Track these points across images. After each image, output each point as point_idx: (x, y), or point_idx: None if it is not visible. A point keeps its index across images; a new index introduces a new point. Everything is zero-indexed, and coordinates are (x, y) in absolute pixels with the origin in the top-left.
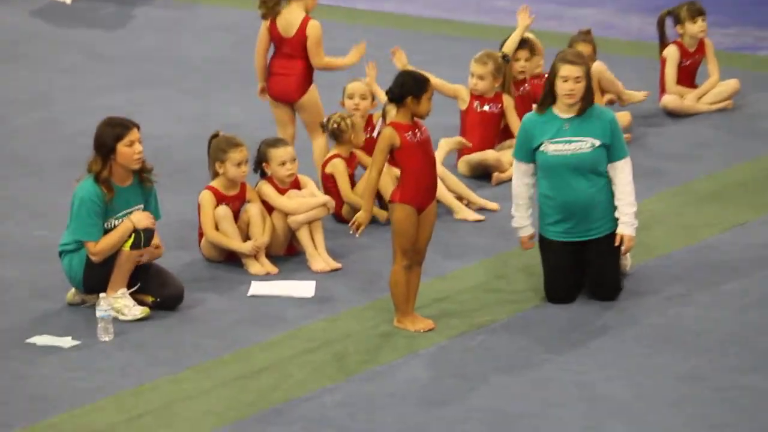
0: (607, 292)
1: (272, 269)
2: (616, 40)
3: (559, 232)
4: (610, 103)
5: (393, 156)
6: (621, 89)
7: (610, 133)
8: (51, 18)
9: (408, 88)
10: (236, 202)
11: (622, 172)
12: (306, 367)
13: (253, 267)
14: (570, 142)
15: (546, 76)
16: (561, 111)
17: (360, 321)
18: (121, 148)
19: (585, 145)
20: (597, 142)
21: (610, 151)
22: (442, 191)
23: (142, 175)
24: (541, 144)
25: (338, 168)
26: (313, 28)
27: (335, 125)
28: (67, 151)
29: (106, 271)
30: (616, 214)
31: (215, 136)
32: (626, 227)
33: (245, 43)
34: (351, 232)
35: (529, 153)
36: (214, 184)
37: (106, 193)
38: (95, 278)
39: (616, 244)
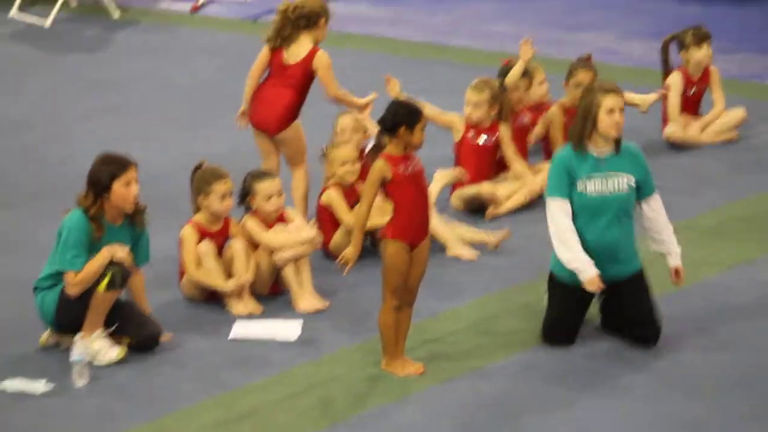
0: (649, 329)
1: (256, 309)
2: (618, 67)
3: (573, 274)
4: None
5: (385, 189)
6: (635, 99)
7: (644, 166)
8: (30, 41)
9: (401, 118)
10: (220, 238)
11: (657, 204)
12: (291, 413)
13: (236, 307)
14: (607, 178)
15: (547, 105)
16: (596, 147)
17: (347, 364)
18: (117, 187)
19: (622, 184)
20: (632, 181)
21: (644, 186)
22: (434, 226)
23: (135, 217)
24: (577, 181)
25: (333, 198)
26: (322, 57)
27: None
28: (47, 179)
29: (80, 309)
30: (662, 248)
31: (199, 167)
32: (677, 258)
33: (232, 67)
34: (340, 267)
35: (566, 189)
36: (197, 218)
37: (95, 230)
38: (68, 316)
39: (673, 278)
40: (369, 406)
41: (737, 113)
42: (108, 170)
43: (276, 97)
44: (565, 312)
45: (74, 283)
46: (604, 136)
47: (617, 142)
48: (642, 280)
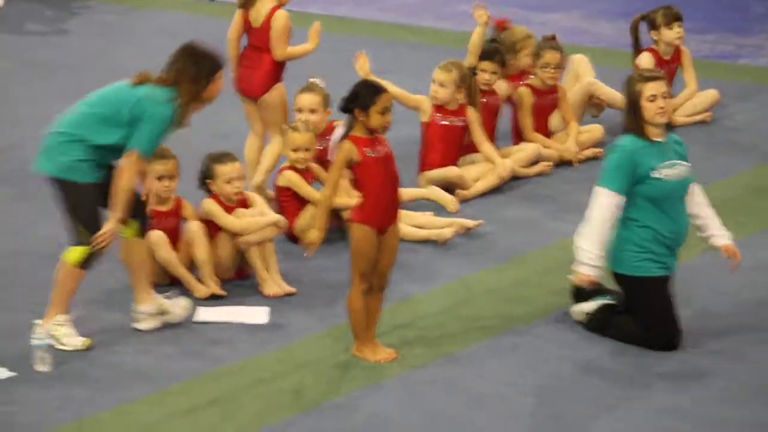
0: (674, 330)
1: (218, 291)
2: (586, 48)
3: (661, 266)
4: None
5: (352, 172)
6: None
7: (685, 153)
8: None
9: (356, 100)
10: (170, 219)
11: (698, 189)
12: (260, 400)
13: (198, 290)
14: (673, 165)
15: (533, 72)
16: (652, 136)
17: (317, 350)
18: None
19: (683, 169)
20: (689, 165)
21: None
22: (406, 230)
23: None
24: (652, 170)
25: (292, 179)
26: (279, 17)
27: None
28: None
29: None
30: (708, 232)
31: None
32: (727, 237)
33: None
34: (305, 254)
35: (630, 183)
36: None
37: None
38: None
39: (725, 256)
40: (340, 392)
41: (710, 94)
42: (210, 65)
43: (254, 61)
44: (668, 309)
45: (134, 168)
46: (652, 124)
47: (668, 128)
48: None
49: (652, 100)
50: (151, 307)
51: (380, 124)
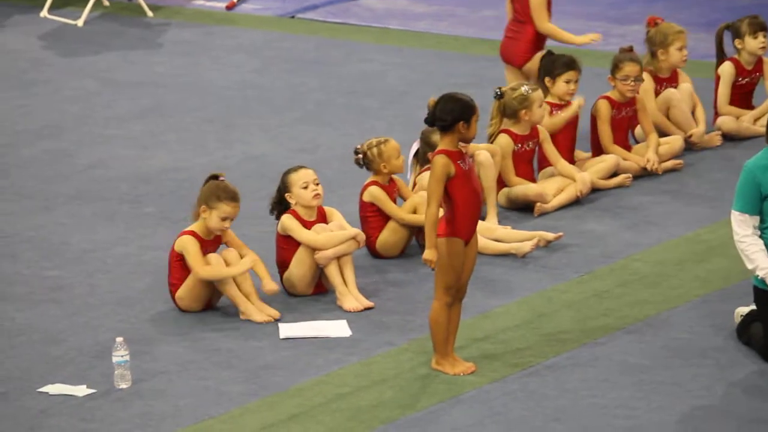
0: None
1: (274, 313)
2: None
3: None
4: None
5: (445, 186)
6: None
7: None
8: (61, 42)
9: (457, 114)
10: (212, 247)
11: None
12: (339, 415)
13: (257, 315)
14: None
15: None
16: None
17: (395, 364)
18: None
19: None
20: None
21: None
22: (486, 244)
23: None
24: None
25: (377, 196)
26: None
27: (361, 156)
28: (79, 184)
29: None
30: None
31: (214, 177)
32: None
33: (268, 66)
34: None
35: (750, 202)
36: (195, 228)
37: None
38: None
39: None
40: (420, 406)
41: None
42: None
43: (517, 33)
44: None
45: None
46: None
47: None
48: None
49: None
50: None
51: (476, 131)
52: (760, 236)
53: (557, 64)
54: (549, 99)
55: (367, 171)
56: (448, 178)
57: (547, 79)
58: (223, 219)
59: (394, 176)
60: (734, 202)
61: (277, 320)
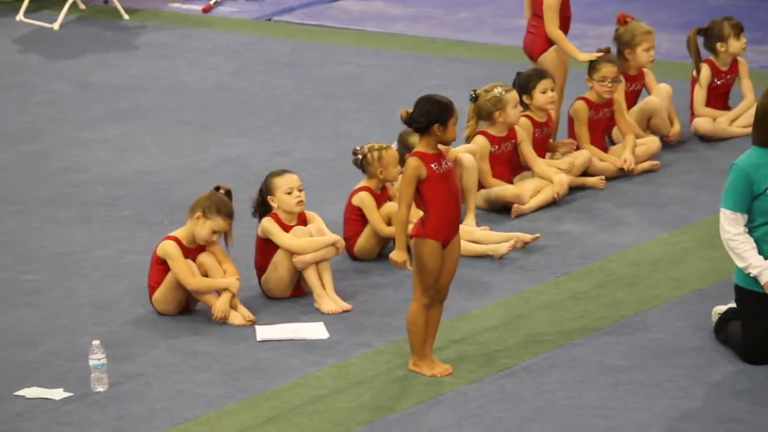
0: None
1: (251, 316)
2: None
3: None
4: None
5: (418, 188)
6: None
7: None
8: (37, 46)
9: (433, 115)
10: (193, 255)
11: None
12: (316, 418)
13: (235, 318)
14: None
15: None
16: None
17: (373, 366)
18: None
19: None
20: None
21: None
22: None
23: None
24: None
25: (366, 202)
26: None
27: (360, 156)
28: (55, 187)
29: None
30: None
31: (217, 188)
32: None
33: (245, 69)
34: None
35: (741, 201)
36: (179, 234)
37: None
38: None
39: None
40: (397, 408)
41: None
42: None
43: (536, 27)
44: (766, 320)
45: None
46: None
47: None
48: None
49: None
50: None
51: (454, 135)
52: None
53: (529, 79)
54: (531, 114)
55: (357, 172)
56: (420, 180)
57: (525, 97)
58: (214, 232)
59: (387, 184)
60: (724, 200)
61: (254, 323)
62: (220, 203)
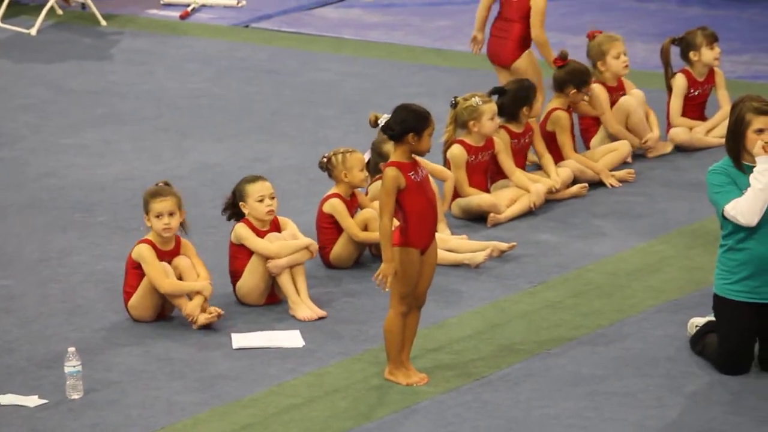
0: None
1: (218, 310)
2: None
3: (744, 291)
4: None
5: (396, 198)
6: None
7: None
8: (14, 51)
9: (409, 125)
10: (168, 258)
11: None
12: (292, 426)
13: (201, 317)
14: None
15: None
16: (746, 162)
17: (348, 375)
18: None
19: None
20: None
21: None
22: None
23: None
24: (744, 192)
25: (337, 208)
26: None
27: (325, 160)
28: (32, 193)
29: None
30: None
31: (166, 183)
32: None
33: (223, 75)
34: (378, 285)
35: (735, 192)
36: (150, 237)
37: None
38: None
39: None
40: (373, 417)
41: None
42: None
43: (505, 32)
44: (742, 334)
45: None
46: (750, 154)
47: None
48: None
49: (758, 133)
50: None
51: (429, 146)
52: (725, 252)
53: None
54: (508, 125)
55: (329, 178)
56: (399, 190)
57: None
58: (158, 216)
59: (356, 191)
60: (719, 202)
61: (220, 316)
62: (146, 195)
